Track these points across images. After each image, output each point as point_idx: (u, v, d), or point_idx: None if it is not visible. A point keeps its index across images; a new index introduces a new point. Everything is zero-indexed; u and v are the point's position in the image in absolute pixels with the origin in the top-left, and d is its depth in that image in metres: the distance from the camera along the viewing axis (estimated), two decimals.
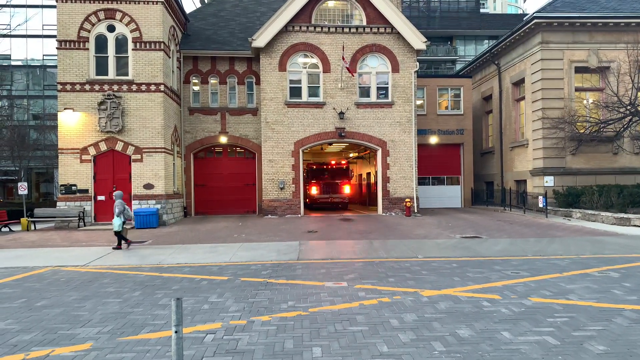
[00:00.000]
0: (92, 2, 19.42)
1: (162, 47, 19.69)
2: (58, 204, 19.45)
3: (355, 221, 19.74)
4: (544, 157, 22.12)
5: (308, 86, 22.52)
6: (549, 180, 22.03)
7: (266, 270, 10.23)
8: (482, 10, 55.15)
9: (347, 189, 26.98)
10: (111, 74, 19.63)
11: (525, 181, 24.16)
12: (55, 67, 29.83)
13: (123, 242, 13.48)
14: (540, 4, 74.19)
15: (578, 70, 22.47)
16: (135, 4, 19.56)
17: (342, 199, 26.70)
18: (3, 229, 19.29)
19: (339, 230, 16.82)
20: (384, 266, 10.45)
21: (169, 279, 9.53)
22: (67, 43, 19.33)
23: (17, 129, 32.15)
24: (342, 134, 22.34)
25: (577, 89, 22.56)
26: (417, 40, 22.16)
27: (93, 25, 19.47)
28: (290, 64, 22.45)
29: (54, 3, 20.20)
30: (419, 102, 26.06)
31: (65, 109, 19.29)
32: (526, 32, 23.05)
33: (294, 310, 7.02)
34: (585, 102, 22.83)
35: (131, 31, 19.56)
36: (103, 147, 19.50)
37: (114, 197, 14.03)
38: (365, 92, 22.84)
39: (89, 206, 19.39)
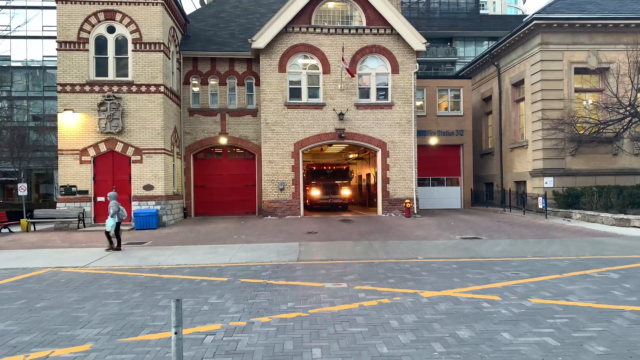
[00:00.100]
0: (92, 3, 19.42)
1: (162, 48, 19.70)
2: (58, 205, 19.44)
3: (355, 222, 19.74)
4: (544, 158, 22.13)
5: (308, 87, 22.53)
6: (549, 181, 22.04)
7: (266, 271, 10.23)
8: (481, 12, 55.21)
9: (346, 190, 26.98)
10: (111, 75, 19.63)
11: (525, 182, 24.17)
12: (55, 68, 29.80)
13: (110, 244, 13.23)
14: (539, 5, 74.29)
15: (578, 71, 22.48)
16: (135, 5, 19.57)
17: (342, 200, 26.69)
18: (3, 230, 19.28)
19: (339, 231, 16.82)
20: (384, 267, 10.45)
21: (168, 280, 9.53)
22: (67, 44, 19.34)
23: (17, 130, 32.13)
24: (342, 135, 22.35)
25: (576, 90, 22.57)
26: (417, 42, 22.18)
27: (93, 26, 19.48)
28: (290, 65, 22.46)
29: (54, 4, 20.19)
30: (418, 103, 26.07)
31: (65, 110, 19.30)
32: (526, 33, 23.07)
33: (294, 312, 7.02)
34: (584, 103, 22.84)
35: (131, 32, 19.56)
36: (103, 148, 19.50)
37: (108, 198, 13.95)
38: (365, 93, 22.86)
39: (88, 207, 19.38)
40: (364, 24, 22.56)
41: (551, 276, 9.22)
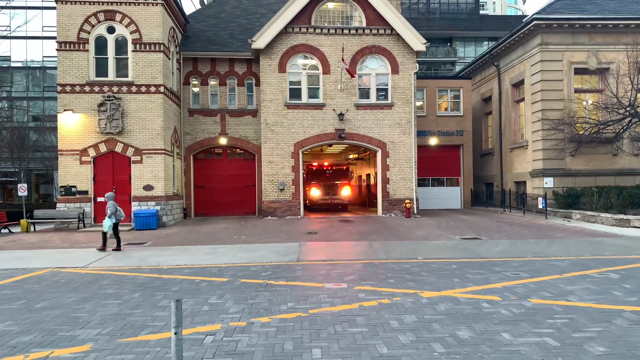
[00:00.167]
0: (91, 3, 19.42)
1: (162, 49, 19.70)
2: (58, 205, 19.44)
3: (355, 222, 19.74)
4: (544, 158, 22.13)
5: (308, 87, 22.53)
6: (549, 182, 22.04)
7: (266, 271, 10.23)
8: (481, 12, 55.21)
9: (346, 191, 26.97)
10: (111, 76, 19.63)
11: (524, 182, 24.17)
12: (55, 68, 29.81)
13: (103, 244, 13.20)
14: (539, 6, 74.31)
15: (577, 71, 22.49)
16: (135, 5, 19.57)
17: (342, 200, 26.69)
18: (3, 231, 19.29)
19: (339, 232, 16.82)
20: (384, 267, 10.45)
21: (168, 280, 9.52)
22: (67, 44, 19.34)
23: (16, 131, 32.13)
24: (342, 135, 22.35)
25: (576, 90, 22.58)
26: (417, 42, 22.19)
27: (93, 26, 19.48)
28: (290, 65, 22.47)
29: (54, 4, 20.20)
30: (418, 104, 26.07)
31: (65, 110, 19.29)
32: (526, 34, 23.08)
33: (294, 312, 7.01)
34: (584, 103, 22.84)
35: (131, 32, 19.57)
36: (103, 148, 19.50)
37: (105, 199, 13.93)
38: (365, 93, 22.86)
39: (88, 207, 19.38)
40: (364, 24, 22.56)
41: (551, 276, 9.22)
